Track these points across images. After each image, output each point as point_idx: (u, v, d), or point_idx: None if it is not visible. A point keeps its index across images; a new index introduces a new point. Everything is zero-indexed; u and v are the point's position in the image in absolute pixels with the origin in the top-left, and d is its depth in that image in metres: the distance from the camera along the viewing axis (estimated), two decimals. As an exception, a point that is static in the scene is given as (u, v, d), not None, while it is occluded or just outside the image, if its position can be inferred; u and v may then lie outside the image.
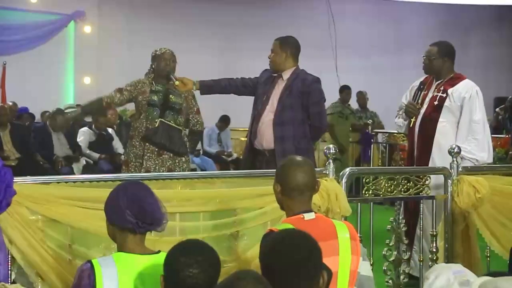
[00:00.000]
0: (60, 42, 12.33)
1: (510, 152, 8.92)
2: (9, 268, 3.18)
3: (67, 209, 3.24)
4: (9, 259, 3.17)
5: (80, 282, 2.47)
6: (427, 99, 5.09)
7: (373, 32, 14.31)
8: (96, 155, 9.26)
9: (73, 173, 8.46)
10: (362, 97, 11.06)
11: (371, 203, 4.23)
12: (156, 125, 4.95)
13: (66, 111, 10.08)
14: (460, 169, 4.42)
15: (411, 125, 5.15)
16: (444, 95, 5.01)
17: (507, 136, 9.62)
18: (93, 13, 12.51)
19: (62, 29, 12.32)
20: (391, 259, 4.29)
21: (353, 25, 13.88)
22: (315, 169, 3.24)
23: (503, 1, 14.05)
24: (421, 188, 4.41)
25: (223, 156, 11.08)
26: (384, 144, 10.02)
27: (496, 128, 10.73)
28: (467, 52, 13.50)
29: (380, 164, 9.73)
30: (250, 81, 5.11)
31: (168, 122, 4.97)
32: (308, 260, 2.21)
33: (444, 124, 4.99)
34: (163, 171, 4.87)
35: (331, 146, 4.02)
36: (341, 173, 4.01)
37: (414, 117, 5.12)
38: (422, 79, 5.27)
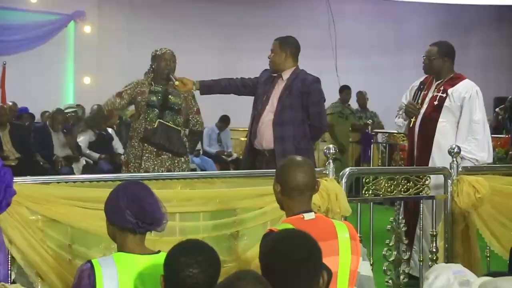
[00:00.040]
0: (60, 42, 12.32)
1: (510, 152, 8.92)
2: (9, 268, 3.18)
3: (67, 209, 3.24)
4: (9, 259, 3.17)
5: (80, 282, 2.47)
6: (427, 99, 5.10)
7: (373, 32, 14.31)
8: (96, 155, 9.27)
9: (73, 173, 8.47)
10: (362, 97, 11.06)
11: (371, 203, 4.23)
12: (155, 126, 4.95)
13: (66, 111, 10.13)
14: (460, 169, 4.42)
15: (411, 125, 5.15)
16: (444, 95, 5.01)
17: (507, 136, 9.62)
18: (93, 13, 12.49)
19: (62, 29, 12.30)
20: (391, 259, 4.29)
21: (353, 25, 13.87)
22: (315, 169, 3.24)
23: (503, 1, 14.04)
24: (421, 188, 4.41)
25: (223, 156, 11.08)
26: (384, 144, 10.01)
27: (496, 128, 10.73)
28: (467, 52, 13.50)
29: (380, 164, 9.73)
30: (250, 81, 5.11)
31: (167, 123, 4.96)
32: (308, 260, 2.21)
33: (444, 124, 4.99)
34: (162, 172, 4.86)
35: (331, 146, 4.02)
36: (341, 173, 4.01)
37: (414, 117, 5.13)
38: (422, 79, 5.27)
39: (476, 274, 3.04)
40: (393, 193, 4.31)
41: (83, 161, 9.24)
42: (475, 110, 4.95)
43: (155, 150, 4.96)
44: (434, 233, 4.40)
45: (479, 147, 4.91)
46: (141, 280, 2.47)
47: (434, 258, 4.35)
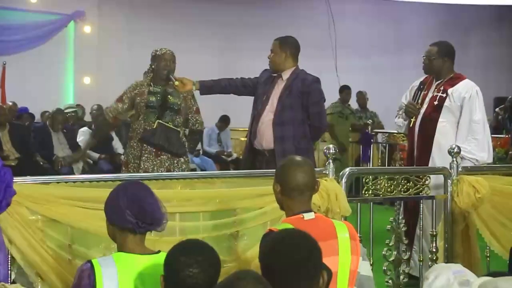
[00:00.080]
0: (60, 42, 12.32)
1: (510, 152, 8.93)
2: (9, 268, 3.18)
3: (67, 209, 3.24)
4: (9, 259, 3.17)
5: (80, 282, 2.47)
6: (427, 99, 5.10)
7: (373, 32, 14.30)
8: (96, 155, 9.26)
9: (73, 173, 8.46)
10: (362, 97, 11.06)
11: (371, 203, 4.23)
12: (154, 127, 4.94)
13: (66, 111, 10.13)
14: (460, 169, 4.42)
15: (411, 125, 5.15)
16: (444, 95, 5.01)
17: (507, 136, 9.62)
18: (93, 13, 12.49)
19: (62, 29, 12.30)
20: (391, 259, 4.29)
21: (353, 25, 13.87)
22: (315, 169, 3.24)
23: (503, 1, 14.04)
24: (421, 188, 4.42)
25: (223, 156, 11.08)
26: (384, 144, 10.02)
27: (496, 128, 10.73)
28: (467, 52, 13.50)
29: (380, 164, 9.73)
30: (250, 81, 5.11)
31: (166, 124, 4.96)
32: (308, 260, 2.21)
33: (444, 124, 4.99)
34: (161, 172, 4.86)
35: (331, 146, 4.02)
36: (341, 173, 4.01)
37: (414, 117, 5.13)
38: (422, 79, 5.27)
39: (476, 274, 3.03)
40: (393, 193, 4.31)
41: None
42: (475, 110, 4.95)
43: (154, 150, 4.95)
44: (434, 233, 4.40)
45: (479, 147, 4.91)
46: (141, 280, 2.47)
47: (434, 258, 4.35)
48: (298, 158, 2.94)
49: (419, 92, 5.17)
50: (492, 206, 4.46)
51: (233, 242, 3.65)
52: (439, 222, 4.47)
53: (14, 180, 3.11)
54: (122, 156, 8.66)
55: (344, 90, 10.32)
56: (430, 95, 5.10)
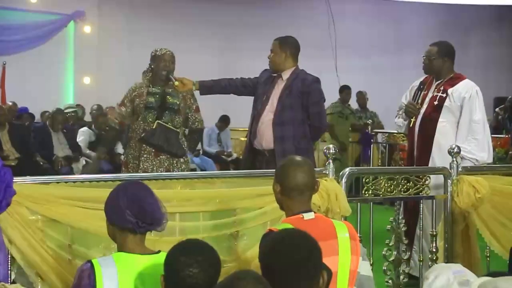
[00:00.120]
0: (60, 42, 12.32)
1: (510, 152, 8.93)
2: (9, 268, 3.18)
3: (67, 209, 3.24)
4: (9, 259, 3.17)
5: (80, 282, 2.47)
6: (427, 99, 5.10)
7: (373, 32, 14.31)
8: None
9: (73, 173, 8.46)
10: (362, 97, 11.06)
11: (371, 203, 4.23)
12: (154, 127, 4.94)
13: (66, 111, 10.13)
14: (460, 169, 4.42)
15: (411, 125, 5.15)
16: (444, 95, 5.01)
17: (507, 136, 9.62)
18: (93, 13, 12.50)
19: (62, 29, 12.31)
20: (391, 259, 4.29)
21: (353, 25, 13.87)
22: (315, 169, 3.24)
23: (503, 1, 14.04)
24: (421, 188, 4.41)
25: (223, 156, 11.08)
26: (384, 144, 10.02)
27: (496, 128, 10.73)
28: (467, 52, 13.50)
29: (380, 164, 9.73)
30: (250, 81, 5.11)
31: (166, 124, 4.95)
32: (308, 260, 2.21)
33: (444, 124, 4.99)
34: (161, 172, 4.86)
35: (331, 146, 4.02)
36: (341, 173, 4.01)
37: (414, 117, 5.13)
38: (422, 79, 5.27)
39: (476, 274, 3.03)
40: (393, 193, 4.31)
41: (83, 161, 9.24)
42: (475, 110, 4.95)
43: (153, 150, 4.95)
44: (434, 233, 4.39)
45: (479, 147, 4.91)
46: (141, 280, 2.47)
47: (434, 258, 4.35)
48: (298, 158, 2.94)
49: (419, 92, 5.17)
50: (492, 206, 4.46)
51: (233, 242, 3.65)
52: (439, 222, 4.47)
53: (14, 180, 3.11)
54: (122, 156, 8.68)
55: (344, 90, 10.32)
56: (430, 95, 5.10)
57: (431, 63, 5.10)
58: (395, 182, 4.31)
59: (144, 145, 4.96)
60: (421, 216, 4.49)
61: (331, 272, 2.41)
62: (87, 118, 11.16)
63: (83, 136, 9.46)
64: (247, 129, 5.09)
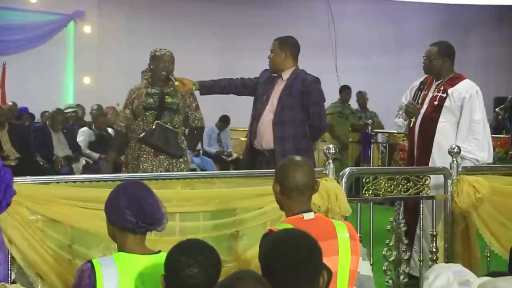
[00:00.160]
0: (60, 42, 12.33)
1: (510, 152, 8.93)
2: (9, 268, 3.18)
3: (67, 209, 3.24)
4: (9, 259, 3.17)
5: (80, 282, 2.47)
6: (427, 99, 5.10)
7: (373, 32, 14.31)
8: (96, 155, 9.27)
9: (73, 173, 8.46)
10: (362, 97, 11.06)
11: (371, 203, 4.23)
12: (153, 127, 4.94)
13: (66, 111, 10.13)
14: (460, 169, 4.42)
15: (411, 125, 5.15)
16: (444, 95, 5.01)
17: (507, 136, 9.63)
18: (93, 13, 12.50)
19: (62, 29, 12.31)
20: (391, 259, 4.29)
21: (353, 25, 13.87)
22: (315, 169, 3.24)
23: (503, 1, 14.04)
24: (421, 188, 4.41)
25: (223, 156, 11.08)
26: (384, 144, 10.02)
27: (496, 128, 10.74)
28: (467, 52, 13.50)
29: (380, 164, 9.73)
30: (250, 81, 5.10)
31: (165, 124, 4.95)
32: (308, 260, 2.21)
33: (444, 124, 4.99)
34: (160, 172, 4.86)
35: (331, 146, 4.02)
36: (341, 173, 4.01)
37: (414, 117, 5.12)
38: (422, 79, 5.27)
39: (476, 274, 3.04)
40: (393, 193, 4.31)
41: (83, 161, 9.24)
42: (475, 110, 4.95)
43: (152, 150, 4.95)
44: (434, 233, 4.39)
45: (479, 147, 4.91)
46: (141, 280, 2.47)
47: (434, 258, 4.35)
48: (298, 158, 2.94)
49: (419, 92, 5.17)
50: (492, 206, 4.46)
51: (233, 242, 3.65)
52: (439, 222, 4.47)
53: (14, 180, 3.11)
54: (122, 157, 8.67)
55: (344, 90, 10.32)
56: (430, 95, 5.10)
57: (431, 63, 5.10)
58: (395, 182, 4.31)
59: (143, 146, 4.96)
60: (421, 216, 4.49)
61: (331, 272, 2.41)
62: (87, 118, 11.16)
63: (83, 136, 9.46)
64: (247, 129, 5.09)
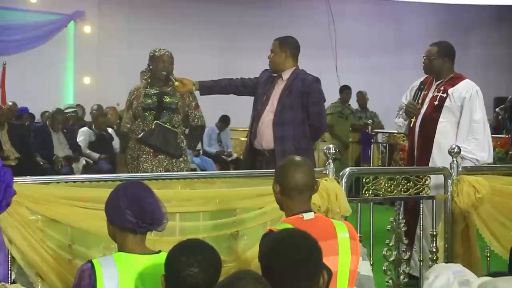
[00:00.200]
0: (60, 42, 12.33)
1: (510, 152, 8.93)
2: (9, 268, 3.18)
3: (67, 209, 3.24)
4: (9, 259, 3.17)
5: (80, 282, 2.47)
6: (427, 99, 5.10)
7: (373, 32, 14.31)
8: (96, 155, 9.27)
9: (73, 173, 8.46)
10: (362, 97, 11.06)
11: (371, 203, 4.23)
12: (152, 127, 4.94)
13: (66, 111, 10.13)
14: (460, 169, 4.42)
15: (411, 125, 5.15)
16: (445, 95, 5.01)
17: (507, 136, 9.63)
18: (93, 13, 12.51)
19: (62, 29, 12.32)
20: (391, 259, 4.29)
21: (353, 25, 13.88)
22: (315, 169, 3.24)
23: (503, 1, 14.05)
24: (421, 188, 4.41)
25: (223, 156, 11.08)
26: (384, 144, 10.02)
27: (496, 128, 10.74)
28: (467, 52, 13.50)
29: (380, 164, 9.73)
30: (250, 81, 5.10)
31: (164, 125, 4.95)
32: (308, 260, 2.21)
33: (444, 124, 4.99)
34: (160, 172, 4.86)
35: (331, 146, 4.02)
36: (341, 173, 4.01)
37: (414, 117, 5.12)
38: (422, 79, 5.27)
39: (476, 274, 3.04)
40: (393, 193, 4.31)
41: (83, 161, 9.24)
42: (475, 110, 4.95)
43: (151, 150, 4.95)
44: (434, 233, 4.39)
45: (479, 147, 4.91)
46: (142, 280, 2.47)
47: (434, 258, 4.35)
48: (298, 158, 2.94)
49: (419, 92, 5.17)
50: (492, 206, 4.46)
51: (233, 242, 3.65)
52: (439, 222, 4.47)
53: (14, 180, 3.11)
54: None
55: (344, 90, 10.32)
56: (430, 95, 5.10)
57: (431, 63, 5.10)
58: (395, 182, 4.31)
59: (142, 146, 4.95)
60: (421, 216, 4.49)
61: (331, 272, 2.41)
62: (87, 118, 11.16)
63: (83, 136, 9.45)
64: (247, 129, 5.09)
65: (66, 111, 10.16)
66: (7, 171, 3.08)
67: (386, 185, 4.27)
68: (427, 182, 4.43)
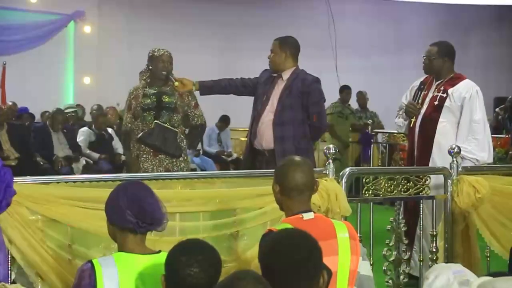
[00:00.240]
0: (60, 42, 12.33)
1: (510, 152, 8.93)
2: (9, 268, 3.18)
3: (67, 209, 3.24)
4: (9, 259, 3.17)
5: (80, 282, 2.47)
6: (427, 99, 5.10)
7: (373, 32, 14.31)
8: (96, 155, 9.26)
9: (73, 173, 8.46)
10: (362, 97, 11.06)
11: (371, 203, 4.23)
12: (152, 127, 4.94)
13: (66, 111, 10.13)
14: (460, 169, 4.42)
15: (411, 125, 5.15)
16: (445, 95, 5.01)
17: (507, 136, 9.63)
18: (93, 13, 12.50)
19: (62, 29, 12.32)
20: (391, 259, 4.29)
21: (353, 25, 13.88)
22: (315, 169, 3.24)
23: (503, 1, 14.05)
24: (421, 188, 4.41)
25: (223, 156, 11.08)
26: (384, 144, 10.02)
27: (496, 128, 10.74)
28: (467, 52, 13.50)
29: (380, 164, 9.73)
30: (250, 81, 5.10)
31: (164, 124, 4.95)
32: (308, 260, 2.21)
33: (444, 124, 4.99)
34: (160, 171, 4.86)
35: (331, 146, 4.02)
36: (341, 173, 4.01)
37: (414, 117, 5.12)
38: (422, 79, 5.27)
39: (476, 274, 3.04)
40: (393, 193, 4.31)
41: (83, 161, 9.24)
42: (475, 110, 4.95)
43: (151, 150, 4.95)
44: (434, 233, 4.39)
45: (479, 147, 4.91)
46: (142, 280, 2.47)
47: (434, 258, 4.35)
48: (297, 158, 2.94)
49: (419, 92, 5.17)
50: (492, 206, 4.46)
51: (233, 242, 3.65)
52: (439, 222, 4.47)
53: (14, 180, 3.11)
54: (123, 156, 8.67)
55: (344, 90, 10.32)
56: (430, 95, 5.10)
57: (431, 63, 5.10)
58: (395, 182, 4.31)
59: (142, 146, 4.95)
60: (421, 216, 4.49)
61: (331, 272, 2.41)
62: (87, 118, 11.16)
63: (83, 136, 9.45)
64: (247, 129, 5.09)
65: (66, 111, 10.16)
66: (7, 171, 3.08)
67: (386, 185, 4.27)
68: (427, 182, 4.43)
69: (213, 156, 10.92)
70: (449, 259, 4.36)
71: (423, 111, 5.09)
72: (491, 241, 4.52)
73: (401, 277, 4.30)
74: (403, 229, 4.28)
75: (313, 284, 2.21)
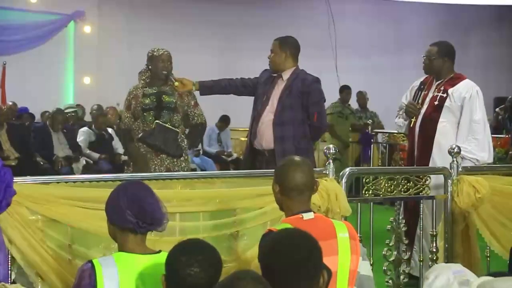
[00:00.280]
0: (60, 42, 12.33)
1: (510, 152, 8.93)
2: (9, 268, 3.18)
3: (67, 209, 3.24)
4: (9, 259, 3.17)
5: (80, 282, 2.48)
6: (427, 99, 5.10)
7: (373, 32, 14.31)
8: (96, 155, 9.27)
9: (73, 173, 8.46)
10: (362, 97, 11.07)
11: (371, 203, 4.23)
12: (153, 127, 4.94)
13: (66, 111, 10.14)
14: (460, 169, 4.42)
15: (411, 125, 5.15)
16: (445, 95, 5.01)
17: (507, 136, 9.63)
18: (93, 13, 12.50)
19: (62, 29, 12.31)
20: (391, 259, 4.29)
21: (353, 25, 13.87)
22: (315, 169, 3.24)
23: (503, 1, 14.05)
24: (421, 188, 4.41)
25: (223, 156, 11.08)
26: (384, 144, 10.02)
27: (496, 128, 10.74)
28: (467, 52, 13.50)
29: (380, 164, 9.73)
30: (250, 81, 5.10)
31: (164, 124, 4.94)
32: (308, 260, 2.21)
33: (445, 124, 4.99)
34: (162, 171, 4.86)
35: (331, 146, 4.02)
36: (341, 173, 4.01)
37: (414, 117, 5.12)
38: (422, 79, 5.27)
39: (476, 274, 3.04)
40: (393, 193, 4.31)
41: (83, 161, 9.24)
42: (475, 110, 4.95)
43: (152, 150, 4.95)
44: (434, 233, 4.39)
45: (480, 147, 4.91)
46: (142, 280, 2.47)
47: (434, 258, 4.35)
48: (297, 158, 2.94)
49: (420, 92, 5.17)
50: (492, 206, 4.46)
51: (233, 242, 3.65)
52: (439, 222, 4.47)
53: (14, 180, 3.11)
54: (122, 156, 8.66)
55: (344, 90, 10.32)
56: (430, 95, 5.10)
57: (431, 63, 5.10)
58: (395, 182, 4.31)
59: (143, 146, 4.95)
60: (421, 216, 4.49)
61: (331, 272, 2.41)
62: (87, 118, 11.16)
63: (83, 136, 9.45)
64: (247, 129, 5.09)
65: (66, 111, 10.16)
66: (7, 171, 3.08)
67: (386, 185, 4.27)
68: (427, 182, 4.43)
69: (213, 156, 10.92)
70: (449, 259, 4.36)
71: (423, 111, 5.09)
72: (491, 241, 4.52)
73: (401, 277, 4.30)
74: (403, 229, 4.28)
75: (313, 284, 2.21)
